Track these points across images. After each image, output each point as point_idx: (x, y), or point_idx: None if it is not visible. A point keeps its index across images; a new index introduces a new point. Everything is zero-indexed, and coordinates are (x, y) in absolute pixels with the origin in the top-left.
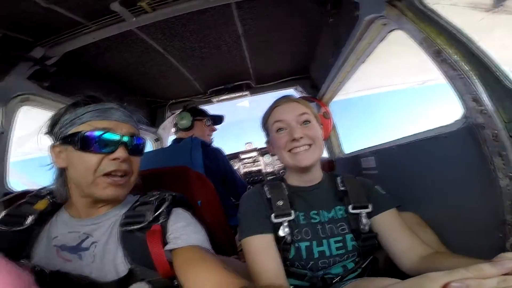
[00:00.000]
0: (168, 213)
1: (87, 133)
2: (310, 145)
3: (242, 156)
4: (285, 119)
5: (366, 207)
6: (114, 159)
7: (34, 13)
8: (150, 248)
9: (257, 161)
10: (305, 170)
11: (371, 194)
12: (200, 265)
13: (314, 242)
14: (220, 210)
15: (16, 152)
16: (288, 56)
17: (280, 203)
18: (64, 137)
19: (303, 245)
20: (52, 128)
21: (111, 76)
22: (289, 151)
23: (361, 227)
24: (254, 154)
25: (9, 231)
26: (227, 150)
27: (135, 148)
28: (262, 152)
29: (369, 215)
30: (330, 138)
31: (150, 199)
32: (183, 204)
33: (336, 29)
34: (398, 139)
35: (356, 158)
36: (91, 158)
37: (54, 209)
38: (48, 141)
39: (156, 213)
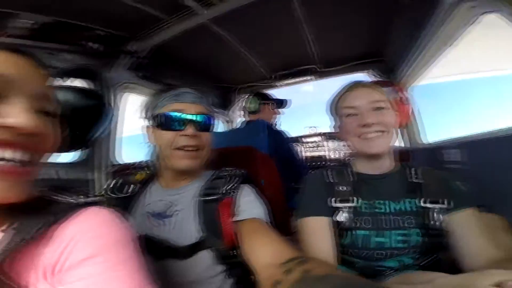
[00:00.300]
0: (238, 188)
1: (165, 114)
2: (382, 131)
3: (305, 140)
4: (357, 105)
5: (441, 203)
6: (185, 135)
7: (125, 12)
8: (221, 218)
9: (320, 146)
10: (374, 157)
11: (449, 189)
12: (260, 236)
13: (374, 232)
14: (281, 191)
15: (123, 130)
16: (357, 39)
17: (343, 188)
18: (151, 119)
19: (360, 233)
20: (145, 111)
21: (189, 65)
22: (359, 136)
23: (431, 223)
24: (318, 138)
25: (115, 197)
26: (290, 133)
27: (204, 125)
28: (327, 137)
29: (443, 212)
30: (407, 125)
31: (224, 174)
32: (250, 182)
33: (414, 11)
34: (495, 131)
35: (437, 150)
36: (168, 135)
37: (149, 180)
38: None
39: (229, 187)
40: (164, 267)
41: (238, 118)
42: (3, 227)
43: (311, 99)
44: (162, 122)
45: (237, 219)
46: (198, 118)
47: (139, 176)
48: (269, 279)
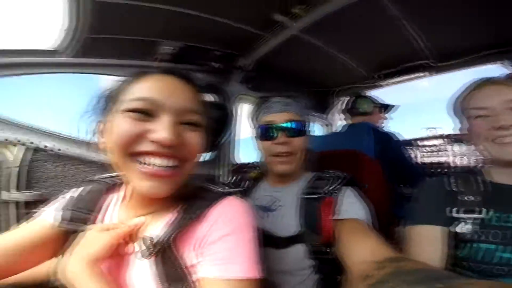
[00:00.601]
0: (340, 189)
1: (258, 127)
2: None
3: (422, 143)
4: (489, 105)
5: None
6: (277, 144)
7: (232, 32)
8: (322, 216)
9: (442, 150)
10: None
11: None
12: (359, 235)
13: (500, 247)
14: (386, 197)
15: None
16: (480, 26)
17: (470, 198)
18: (254, 131)
19: (483, 246)
20: (251, 123)
21: (287, 73)
22: (493, 141)
23: None
24: (439, 141)
25: (235, 191)
26: (403, 135)
27: (294, 131)
28: (451, 139)
29: None
30: None
31: (327, 175)
32: (353, 184)
33: None
34: None
35: None
36: (265, 144)
37: (260, 178)
38: None
39: (331, 188)
40: (263, 254)
41: (339, 121)
42: (178, 208)
43: (426, 97)
44: (259, 133)
45: (338, 218)
46: (288, 125)
47: (253, 174)
48: (360, 274)
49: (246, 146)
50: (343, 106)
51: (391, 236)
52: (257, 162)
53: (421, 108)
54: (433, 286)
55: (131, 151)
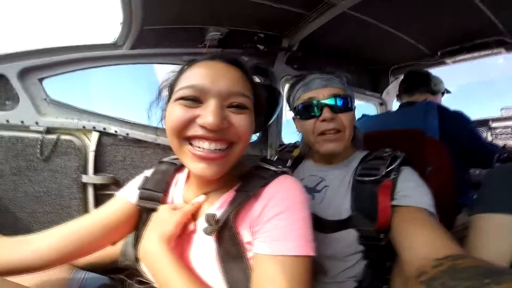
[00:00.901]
0: (398, 170)
1: (299, 106)
2: None
3: (494, 125)
4: None
5: None
6: (322, 121)
7: (276, 14)
8: (379, 201)
9: None
10: None
11: None
12: (422, 226)
13: None
14: (451, 182)
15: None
16: None
17: None
18: (293, 111)
19: None
20: (288, 105)
21: (335, 52)
22: None
23: None
24: None
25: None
26: (472, 115)
27: (340, 106)
28: None
29: None
30: None
31: (384, 155)
32: (409, 164)
33: None
34: None
35: None
36: (307, 123)
37: (302, 157)
38: None
39: (388, 169)
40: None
41: (393, 100)
42: (236, 187)
43: (501, 73)
44: (300, 112)
45: (399, 204)
46: (331, 101)
47: (295, 153)
48: (416, 269)
49: (290, 127)
50: (406, 84)
51: (452, 226)
52: (299, 142)
53: (494, 87)
54: (480, 282)
55: (183, 135)
